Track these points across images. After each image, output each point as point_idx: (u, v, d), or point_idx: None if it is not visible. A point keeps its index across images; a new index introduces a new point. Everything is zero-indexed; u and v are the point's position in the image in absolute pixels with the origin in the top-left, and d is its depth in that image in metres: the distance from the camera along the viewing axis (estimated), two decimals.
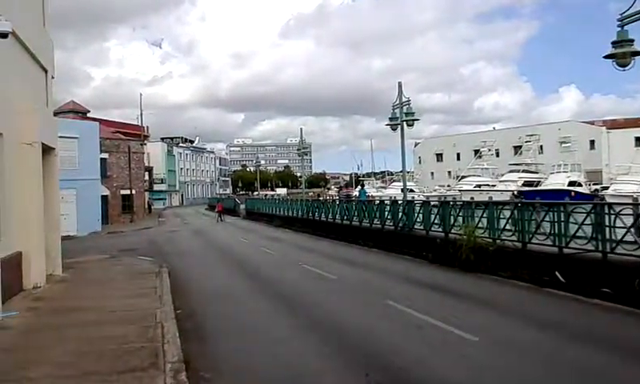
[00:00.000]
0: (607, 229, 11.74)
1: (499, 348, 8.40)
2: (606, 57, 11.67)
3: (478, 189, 57.41)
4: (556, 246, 13.03)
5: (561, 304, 11.27)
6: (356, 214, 26.09)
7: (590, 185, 60.88)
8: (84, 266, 18.37)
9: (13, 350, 8.28)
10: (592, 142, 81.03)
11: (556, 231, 13.17)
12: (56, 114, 25.97)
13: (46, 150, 15.18)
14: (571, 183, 56.00)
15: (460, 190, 57.01)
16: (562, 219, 13.10)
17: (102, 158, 43.63)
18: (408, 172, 36.60)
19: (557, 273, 12.54)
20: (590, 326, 9.70)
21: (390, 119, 25.32)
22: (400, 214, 21.66)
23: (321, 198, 47.81)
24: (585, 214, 12.69)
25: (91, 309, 11.12)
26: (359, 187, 51.78)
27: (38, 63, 15.45)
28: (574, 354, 7.94)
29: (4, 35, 10.61)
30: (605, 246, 11.68)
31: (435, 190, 68.07)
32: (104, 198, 44.59)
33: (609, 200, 32.57)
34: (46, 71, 16.33)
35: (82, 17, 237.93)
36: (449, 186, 72.02)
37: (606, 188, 55.60)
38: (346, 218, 27.35)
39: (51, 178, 15.85)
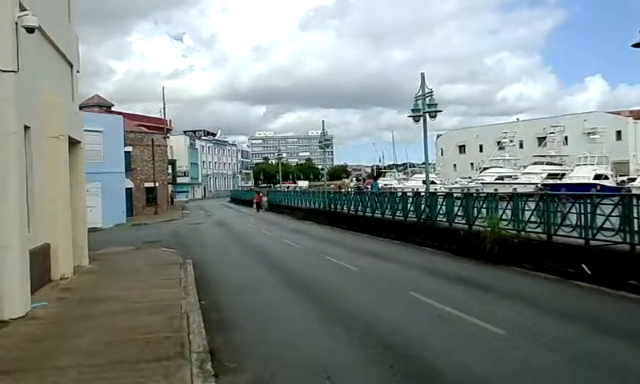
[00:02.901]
0: (635, 220, 11.55)
1: (525, 341, 8.29)
2: (635, 45, 11.45)
3: (499, 181, 56.67)
4: (582, 238, 12.85)
5: (587, 297, 11.12)
6: (378, 206, 26.03)
7: (616, 177, 59.71)
8: (110, 258, 18.64)
9: (42, 340, 8.44)
10: (618, 133, 79.74)
11: (582, 223, 12.98)
12: (81, 107, 26.21)
13: (72, 144, 15.41)
14: (597, 176, 54.91)
15: (482, 183, 56.37)
16: (589, 211, 12.91)
17: (126, 152, 44.16)
18: (430, 164, 36.34)
19: (583, 265, 12.37)
20: (617, 318, 9.53)
21: (413, 111, 25.22)
22: (423, 205, 21.54)
23: (342, 190, 47.84)
24: (612, 206, 12.49)
25: (117, 299, 11.29)
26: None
27: (64, 58, 15.64)
28: (602, 348, 7.82)
29: (31, 30, 10.77)
30: (633, 237, 11.51)
31: (456, 182, 67.45)
32: (128, 191, 45.16)
33: (635, 192, 31.96)
34: (71, 66, 16.53)
35: (105, 11, 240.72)
36: (470, 177, 71.29)
37: (633, 179, 54.58)
38: (368, 210, 27.28)
39: (77, 171, 16.09)
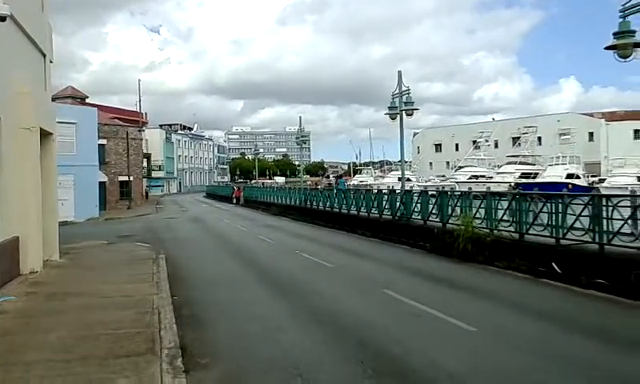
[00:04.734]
0: (604, 221, 11.76)
1: (496, 338, 8.42)
2: (608, 48, 11.64)
3: (473, 180, 57.21)
4: (553, 237, 13.05)
5: (557, 295, 11.30)
6: (354, 203, 26.10)
7: (588, 177, 60.86)
8: (81, 252, 18.36)
9: (10, 334, 8.28)
10: (591, 134, 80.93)
11: (553, 222, 13.19)
12: (54, 99, 25.88)
13: (44, 135, 15.13)
14: (569, 175, 55.97)
15: (456, 182, 56.86)
16: (560, 210, 13.11)
17: (100, 144, 43.49)
18: (406, 162, 36.50)
19: (553, 264, 12.57)
20: (585, 317, 9.73)
21: (390, 108, 25.29)
22: (398, 203, 21.66)
23: (319, 187, 47.90)
24: (582, 206, 12.70)
25: (88, 294, 11.13)
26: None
27: (37, 48, 15.35)
28: (570, 345, 7.97)
29: (2, 18, 10.55)
30: (602, 237, 11.71)
31: (430, 180, 67.93)
32: (102, 184, 44.47)
33: (604, 192, 32.58)
34: (44, 56, 16.23)
35: (80, 1, 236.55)
36: (444, 176, 71.87)
37: (604, 180, 55.64)
38: (343, 207, 27.34)
39: (49, 163, 15.81)
